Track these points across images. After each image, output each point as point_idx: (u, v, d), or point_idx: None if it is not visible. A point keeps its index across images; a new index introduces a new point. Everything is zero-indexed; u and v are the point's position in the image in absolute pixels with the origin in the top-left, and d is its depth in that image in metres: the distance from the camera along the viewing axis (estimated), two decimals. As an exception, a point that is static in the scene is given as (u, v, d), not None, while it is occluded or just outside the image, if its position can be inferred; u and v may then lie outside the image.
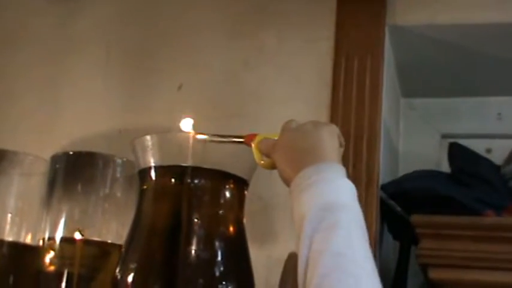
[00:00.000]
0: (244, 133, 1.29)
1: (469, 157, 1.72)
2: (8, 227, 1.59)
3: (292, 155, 1.17)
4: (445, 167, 1.77)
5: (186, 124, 1.33)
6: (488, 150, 1.82)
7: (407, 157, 1.93)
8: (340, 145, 1.21)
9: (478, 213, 1.56)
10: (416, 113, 1.98)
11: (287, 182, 1.16)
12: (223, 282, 1.32)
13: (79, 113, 1.77)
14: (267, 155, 1.24)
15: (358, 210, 1.09)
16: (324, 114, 1.62)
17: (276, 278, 1.35)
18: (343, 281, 0.98)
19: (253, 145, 1.26)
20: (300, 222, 1.07)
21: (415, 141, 1.97)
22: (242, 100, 1.70)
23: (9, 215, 1.60)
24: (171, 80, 1.73)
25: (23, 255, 1.56)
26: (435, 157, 1.90)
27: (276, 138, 1.22)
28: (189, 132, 1.32)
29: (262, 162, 1.26)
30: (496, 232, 1.50)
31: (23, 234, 1.59)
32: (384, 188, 1.64)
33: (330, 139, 1.17)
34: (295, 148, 1.17)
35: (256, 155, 1.26)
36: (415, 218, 1.54)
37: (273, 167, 1.22)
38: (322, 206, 1.06)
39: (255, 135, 1.27)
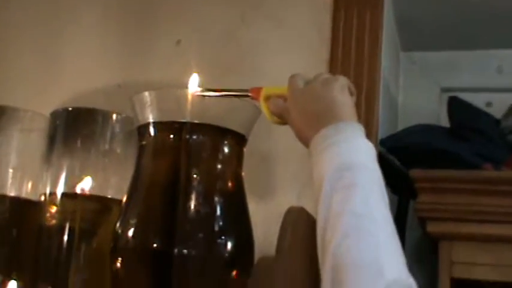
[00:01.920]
0: (243, 88, 1.30)
1: (468, 111, 1.71)
2: (9, 182, 1.60)
3: (307, 118, 1.17)
4: (445, 121, 1.78)
5: (194, 81, 1.33)
6: (488, 104, 1.82)
7: (407, 111, 1.93)
8: (352, 94, 1.21)
9: (476, 167, 1.56)
10: (416, 67, 1.98)
11: (305, 143, 1.17)
12: (222, 237, 1.33)
13: (78, 70, 1.77)
14: (280, 117, 1.24)
15: (377, 170, 1.10)
16: (323, 69, 1.60)
17: (275, 232, 1.34)
18: (363, 241, 1.00)
19: (261, 100, 1.27)
20: (319, 182, 1.08)
21: (414, 95, 1.96)
22: (240, 55, 1.69)
23: (11, 171, 1.60)
24: (170, 36, 1.72)
25: (25, 209, 1.57)
26: (435, 111, 1.90)
27: (280, 91, 1.23)
28: (195, 90, 1.32)
29: (274, 119, 1.26)
30: (495, 186, 1.51)
31: (24, 189, 1.60)
32: (382, 142, 1.64)
33: (342, 95, 1.17)
34: (309, 111, 1.17)
35: (265, 111, 1.27)
36: (414, 172, 1.55)
37: (283, 122, 1.23)
38: (341, 165, 1.07)
39: (260, 89, 1.27)
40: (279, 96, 1.24)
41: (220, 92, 1.32)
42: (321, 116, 1.14)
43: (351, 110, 1.16)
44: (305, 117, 1.18)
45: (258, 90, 1.27)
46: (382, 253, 0.99)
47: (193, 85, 1.33)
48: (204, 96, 1.32)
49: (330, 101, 1.16)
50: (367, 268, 0.97)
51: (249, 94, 1.29)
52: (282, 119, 1.24)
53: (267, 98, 1.26)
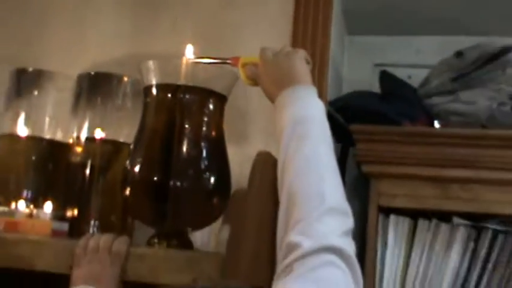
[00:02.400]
0: (225, 57, 1.27)
1: (394, 81, 1.71)
2: (46, 128, 1.56)
3: (273, 81, 1.15)
4: (376, 89, 1.76)
5: (189, 50, 1.30)
6: (409, 77, 1.81)
7: (349, 80, 1.92)
8: (308, 63, 1.19)
9: (399, 123, 1.56)
10: (357, 47, 1.96)
11: (272, 100, 1.15)
12: (207, 173, 1.32)
13: (99, 42, 1.72)
14: (253, 80, 1.22)
15: (325, 122, 1.09)
16: (287, 44, 1.56)
17: (247, 170, 1.32)
18: (310, 177, 0.99)
19: (239, 66, 1.24)
20: (280, 133, 1.07)
21: (355, 68, 1.95)
22: (224, 31, 1.64)
23: (47, 119, 1.57)
24: (169, 16, 1.68)
25: (58, 149, 1.54)
26: (369, 81, 1.88)
27: (254, 60, 1.21)
28: (189, 57, 1.30)
29: (249, 81, 1.24)
30: (412, 137, 1.51)
31: (57, 133, 1.57)
32: (330, 103, 1.63)
33: (300, 64, 1.15)
34: (275, 76, 1.15)
35: (242, 75, 1.24)
36: (353, 127, 1.54)
37: (255, 84, 1.21)
38: (296, 119, 1.06)
39: (238, 58, 1.25)
40: (253, 64, 1.22)
41: (207, 59, 1.30)
42: (283, 80, 1.13)
43: (307, 75, 1.15)
44: (272, 81, 1.16)
45: (236, 59, 1.25)
46: (325, 186, 0.98)
47: (189, 53, 1.30)
48: (195, 62, 1.30)
49: (290, 68, 1.14)
50: (313, 197, 0.97)
51: (230, 62, 1.26)
52: (255, 82, 1.22)
53: (244, 65, 1.24)
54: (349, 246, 0.94)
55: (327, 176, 1.00)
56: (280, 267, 0.92)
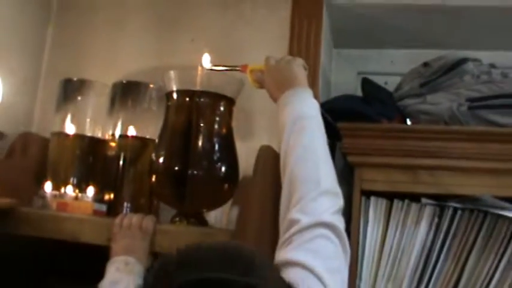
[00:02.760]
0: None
1: (373, 87, 1.67)
2: (87, 127, 1.55)
3: (276, 85, 1.13)
4: (359, 93, 1.73)
5: (206, 58, 1.28)
6: (386, 83, 1.77)
7: (336, 86, 1.89)
8: (305, 69, 1.18)
9: (378, 121, 1.53)
10: (342, 58, 1.93)
11: (275, 101, 1.13)
12: (219, 163, 1.31)
13: (130, 57, 1.69)
14: (259, 83, 1.20)
15: (319, 118, 1.09)
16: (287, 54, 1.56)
17: (252, 160, 1.31)
18: (307, 164, 0.98)
19: (247, 73, 1.22)
20: (282, 128, 1.06)
21: (341, 76, 1.92)
22: (234, 48, 1.61)
23: (88, 120, 1.55)
24: (187, 36, 1.65)
25: (97, 144, 1.52)
26: (353, 87, 1.86)
27: (260, 66, 1.19)
28: (204, 65, 1.27)
29: (256, 85, 1.22)
30: (388, 133, 1.47)
31: (96, 131, 1.55)
32: (321, 105, 1.56)
33: (298, 69, 1.14)
34: (277, 80, 1.13)
35: (250, 80, 1.22)
36: (340, 124, 1.51)
37: (261, 87, 1.19)
38: (296, 116, 1.05)
39: (247, 65, 1.23)
40: (259, 70, 1.20)
41: (220, 67, 1.27)
42: (284, 83, 1.11)
43: (304, 79, 1.14)
44: (274, 84, 1.14)
45: (245, 66, 1.23)
46: (320, 172, 0.98)
47: (205, 60, 1.28)
48: (210, 69, 1.28)
49: (290, 73, 1.13)
50: (310, 181, 0.96)
51: (239, 69, 1.24)
52: (261, 85, 1.20)
53: (251, 71, 1.22)
54: (340, 223, 0.93)
55: (321, 163, 0.98)
56: (281, 239, 0.91)
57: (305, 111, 1.05)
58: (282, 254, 0.88)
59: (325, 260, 0.87)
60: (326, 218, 0.90)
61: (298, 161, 0.98)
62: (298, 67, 1.13)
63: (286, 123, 1.04)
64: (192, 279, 0.63)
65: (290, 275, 0.84)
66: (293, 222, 0.91)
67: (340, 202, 0.97)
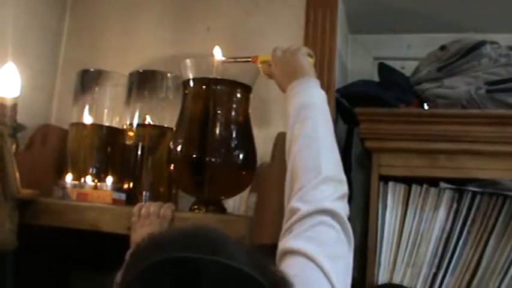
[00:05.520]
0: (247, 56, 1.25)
1: (390, 71, 1.67)
2: (105, 117, 1.56)
3: (283, 76, 1.13)
4: (376, 78, 1.72)
5: (217, 50, 1.28)
6: (402, 67, 1.77)
7: (353, 72, 1.88)
8: (311, 57, 1.17)
9: (395, 106, 1.53)
10: (358, 44, 1.92)
11: (283, 91, 1.13)
12: (236, 151, 1.31)
13: (146, 46, 1.70)
14: (268, 76, 1.20)
15: (325, 108, 1.07)
16: (300, 43, 1.54)
17: (270, 148, 1.32)
18: (309, 153, 0.98)
19: (258, 63, 1.22)
20: (288, 117, 1.06)
21: (357, 62, 1.91)
22: (250, 37, 1.61)
23: (106, 110, 1.56)
24: (203, 24, 1.65)
25: (115, 134, 1.53)
26: (370, 72, 1.85)
27: (269, 57, 1.18)
28: (214, 56, 1.27)
29: (265, 76, 1.22)
30: (406, 117, 1.47)
31: (114, 121, 1.56)
32: (338, 91, 1.60)
33: (304, 59, 1.13)
34: (284, 71, 1.13)
35: (261, 71, 1.22)
36: (357, 110, 1.51)
37: (272, 78, 1.19)
38: (300, 106, 1.05)
39: (257, 57, 1.22)
40: (267, 62, 1.19)
41: (233, 59, 1.27)
42: (290, 75, 1.11)
43: (310, 69, 1.12)
44: (282, 75, 1.14)
45: (256, 57, 1.23)
46: (321, 159, 0.96)
47: (217, 53, 1.27)
48: (223, 61, 1.27)
49: (295, 64, 1.12)
50: (311, 169, 0.95)
51: (251, 60, 1.24)
52: (270, 76, 1.19)
53: (262, 62, 1.21)
54: (342, 209, 0.92)
55: (323, 151, 0.97)
56: (283, 229, 0.91)
57: (309, 101, 1.05)
58: (283, 243, 0.88)
59: (326, 246, 0.86)
60: (327, 204, 0.90)
61: (300, 151, 0.98)
62: (303, 57, 1.13)
63: (291, 113, 1.04)
64: (160, 260, 0.64)
65: (290, 263, 0.84)
66: (293, 211, 0.90)
67: (343, 188, 0.95)
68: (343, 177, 0.97)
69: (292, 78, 1.09)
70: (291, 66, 1.12)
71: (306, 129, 1.00)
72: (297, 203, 0.91)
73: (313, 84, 1.09)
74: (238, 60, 1.26)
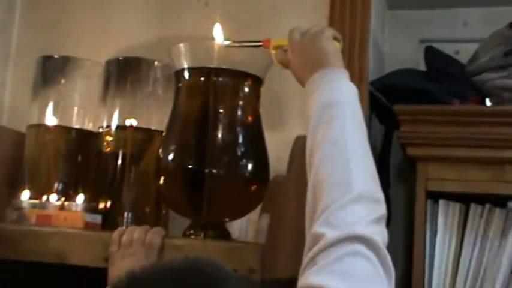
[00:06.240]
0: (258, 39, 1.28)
1: (441, 58, 1.70)
2: (74, 118, 1.61)
3: (302, 65, 1.16)
4: (422, 67, 1.77)
5: (218, 30, 1.31)
6: (457, 52, 1.80)
7: (391, 59, 1.92)
8: (338, 41, 1.20)
9: (446, 103, 1.56)
10: (399, 22, 1.96)
11: (302, 84, 1.16)
12: (244, 160, 1.35)
13: (126, 25, 1.76)
14: (284, 64, 1.23)
15: (355, 106, 1.08)
16: (323, 24, 1.57)
17: (286, 155, 1.36)
18: (335, 163, 1.00)
19: (270, 49, 1.25)
20: (309, 118, 1.08)
21: (397, 45, 1.95)
22: (257, 14, 1.67)
23: (75, 108, 1.62)
24: None
25: (87, 139, 1.59)
26: (414, 58, 1.89)
27: (285, 42, 1.21)
28: (214, 39, 1.31)
29: (280, 65, 1.25)
30: (461, 117, 1.52)
31: (86, 123, 1.62)
32: (372, 83, 1.64)
33: (328, 44, 1.16)
34: (303, 60, 1.16)
35: (274, 59, 1.25)
36: (397, 107, 1.55)
37: (287, 68, 1.22)
38: (323, 104, 1.06)
39: (269, 40, 1.25)
40: (284, 47, 1.22)
41: (239, 43, 1.31)
42: (311, 64, 1.14)
43: (335, 57, 1.15)
44: (300, 65, 1.17)
45: (268, 41, 1.26)
46: (352, 171, 0.98)
47: (217, 35, 1.31)
48: (226, 46, 1.31)
49: (317, 51, 1.15)
50: (338, 183, 0.97)
51: (261, 44, 1.27)
52: (286, 66, 1.23)
53: (275, 48, 1.25)
54: (379, 235, 0.93)
55: (354, 160, 1.00)
56: (305, 260, 0.92)
57: (336, 97, 1.07)
58: (303, 279, 0.89)
59: (357, 283, 0.87)
60: (359, 229, 0.91)
61: (324, 161, 1.00)
62: (327, 41, 1.16)
63: (312, 115, 1.07)
64: None
65: None
66: (317, 237, 0.92)
67: (381, 209, 0.98)
68: (380, 195, 1.00)
69: (313, 69, 1.12)
70: (312, 52, 1.15)
71: (332, 133, 1.03)
72: (321, 228, 0.93)
73: (340, 76, 1.12)
74: (246, 44, 1.29)
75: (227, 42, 1.31)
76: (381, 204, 0.98)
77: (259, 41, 1.27)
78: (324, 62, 1.13)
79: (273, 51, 1.25)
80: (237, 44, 1.31)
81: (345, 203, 0.94)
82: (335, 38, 1.19)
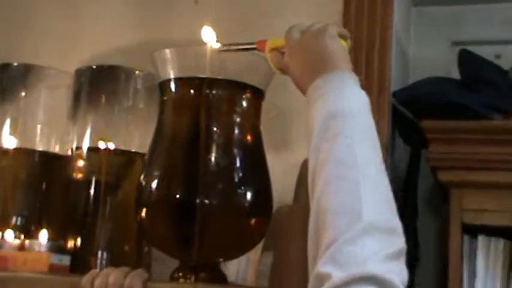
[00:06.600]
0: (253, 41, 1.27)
1: (478, 63, 1.70)
2: (38, 137, 1.60)
3: (302, 69, 1.15)
4: (455, 74, 1.76)
5: (207, 33, 1.30)
6: (497, 56, 1.80)
7: (418, 64, 1.92)
8: (344, 38, 1.17)
9: (485, 117, 1.56)
10: (427, 20, 1.95)
11: (303, 92, 1.14)
12: (242, 187, 1.34)
13: (100, 29, 1.77)
14: (281, 68, 1.21)
15: (366, 117, 1.07)
16: (337, 21, 1.57)
17: (292, 181, 1.36)
18: (342, 188, 0.98)
19: (267, 52, 1.22)
20: (311, 133, 1.06)
21: (425, 48, 1.94)
22: (256, 11, 1.67)
23: (39, 126, 1.61)
24: None
25: (53, 164, 1.58)
26: (445, 64, 1.88)
27: (283, 42, 1.18)
28: (206, 43, 1.30)
29: (277, 70, 1.22)
30: (503, 135, 1.51)
31: (52, 144, 1.61)
32: (395, 94, 1.63)
33: (332, 44, 1.14)
34: (303, 63, 1.15)
35: (271, 63, 1.23)
36: (426, 123, 1.54)
37: (285, 72, 1.20)
38: (328, 115, 1.05)
39: (265, 41, 1.23)
40: (281, 47, 1.20)
41: (228, 46, 1.29)
42: (313, 67, 1.12)
43: (341, 59, 1.13)
44: (301, 69, 1.15)
45: (263, 42, 1.23)
46: (362, 197, 0.96)
47: (208, 38, 1.30)
48: (217, 50, 1.30)
49: (320, 52, 1.13)
50: (345, 213, 0.95)
51: (255, 47, 1.25)
52: (283, 71, 1.21)
53: (272, 49, 1.22)
54: (397, 274, 0.91)
55: (364, 183, 0.98)
56: None
57: (342, 107, 1.05)
58: None
59: None
60: (372, 267, 0.89)
61: (329, 184, 0.99)
62: (332, 40, 1.14)
63: (314, 129, 1.05)
64: None
65: None
66: (322, 278, 0.90)
67: (397, 242, 0.96)
68: (397, 223, 0.97)
69: (316, 73, 1.10)
70: (314, 54, 1.13)
71: (338, 150, 1.01)
72: (326, 267, 0.91)
73: (348, 82, 1.10)
74: (238, 47, 1.28)
75: (219, 46, 1.29)
76: (397, 235, 0.96)
77: (253, 43, 1.25)
78: (328, 65, 1.11)
79: (269, 54, 1.22)
80: (225, 48, 1.29)
81: (353, 236, 0.92)
82: (341, 36, 1.17)
